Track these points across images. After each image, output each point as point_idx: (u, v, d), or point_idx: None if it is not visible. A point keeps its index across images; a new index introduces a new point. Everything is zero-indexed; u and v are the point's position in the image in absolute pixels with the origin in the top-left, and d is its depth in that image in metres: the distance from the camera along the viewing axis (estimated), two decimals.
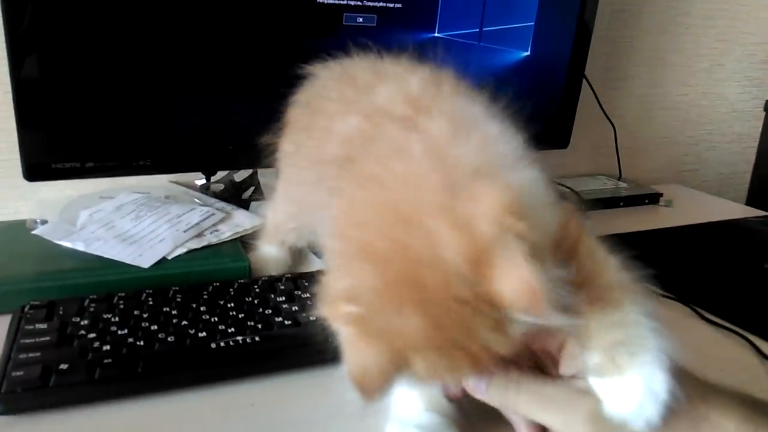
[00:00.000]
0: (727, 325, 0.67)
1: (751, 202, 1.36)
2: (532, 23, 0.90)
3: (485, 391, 0.40)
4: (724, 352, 0.63)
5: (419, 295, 0.31)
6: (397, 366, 0.31)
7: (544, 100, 0.97)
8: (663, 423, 0.35)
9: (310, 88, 0.55)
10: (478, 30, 0.86)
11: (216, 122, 0.77)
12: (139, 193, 0.81)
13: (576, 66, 0.97)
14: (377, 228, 0.32)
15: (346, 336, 0.33)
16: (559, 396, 0.38)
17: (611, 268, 0.39)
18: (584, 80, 1.01)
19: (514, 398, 0.39)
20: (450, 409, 0.45)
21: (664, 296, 0.72)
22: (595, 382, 0.36)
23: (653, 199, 1.13)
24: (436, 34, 0.84)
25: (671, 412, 0.35)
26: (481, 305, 0.30)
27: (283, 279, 0.66)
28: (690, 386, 0.37)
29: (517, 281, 0.29)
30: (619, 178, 1.19)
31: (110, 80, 0.70)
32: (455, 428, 0.45)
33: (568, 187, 1.08)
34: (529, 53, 0.91)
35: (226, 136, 0.78)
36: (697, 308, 0.70)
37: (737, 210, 1.15)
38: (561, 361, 0.39)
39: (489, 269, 0.30)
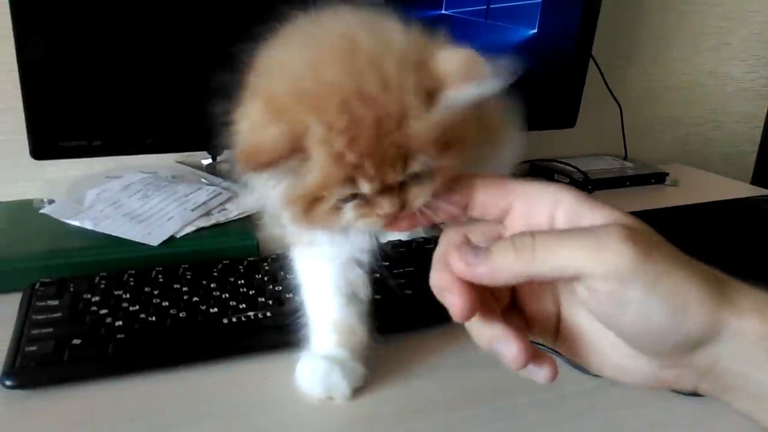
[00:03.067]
0: None
1: (756, 181, 1.36)
2: (540, 0, 0.89)
3: (486, 259, 0.31)
4: None
5: (340, 93, 0.33)
6: (292, 144, 0.33)
7: (551, 80, 0.96)
8: None
9: None
10: (485, 7, 0.85)
11: (222, 101, 0.77)
12: (145, 173, 0.81)
13: (583, 45, 0.96)
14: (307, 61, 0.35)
15: (250, 112, 0.36)
16: (579, 230, 0.31)
17: None
18: (590, 59, 1.00)
19: (529, 251, 0.30)
20: (359, 346, 0.49)
21: None
22: None
23: (659, 178, 1.12)
24: (443, 11, 0.83)
25: None
26: (411, 82, 0.33)
27: None
28: None
29: (459, 56, 0.34)
30: (625, 158, 1.19)
31: (117, 58, 0.70)
32: (360, 362, 0.49)
33: (574, 167, 1.08)
34: (536, 31, 0.90)
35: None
36: None
37: (743, 189, 1.15)
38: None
39: (430, 57, 0.34)
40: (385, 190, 0.35)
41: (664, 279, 0.29)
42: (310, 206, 0.36)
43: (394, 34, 0.35)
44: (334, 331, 0.49)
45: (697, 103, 1.30)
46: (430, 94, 0.34)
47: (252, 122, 0.36)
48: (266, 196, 0.39)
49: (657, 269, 0.29)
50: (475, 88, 0.34)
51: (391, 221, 0.37)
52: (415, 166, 0.35)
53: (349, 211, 0.36)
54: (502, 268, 0.31)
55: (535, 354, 0.33)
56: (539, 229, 0.32)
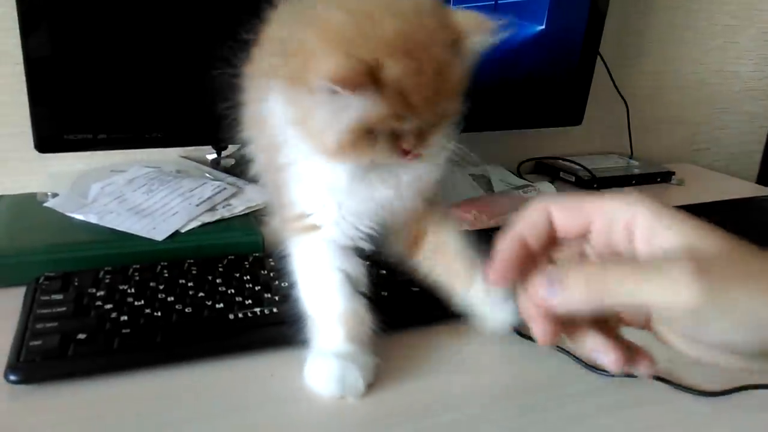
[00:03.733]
0: None
1: (762, 181, 1.35)
2: None
3: (562, 288, 0.32)
4: None
5: (405, 41, 0.41)
6: (370, 76, 0.39)
7: (559, 76, 0.95)
8: None
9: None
10: (493, 2, 0.85)
11: (227, 96, 0.76)
12: (150, 167, 0.81)
13: (591, 41, 0.96)
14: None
15: (304, 38, 0.42)
16: (648, 264, 0.31)
17: None
18: (598, 56, 1.00)
19: (601, 284, 0.31)
20: (367, 336, 0.49)
21: None
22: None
23: (665, 177, 1.12)
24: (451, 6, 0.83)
25: None
26: (443, 34, 0.42)
27: None
28: None
29: (471, 14, 0.44)
30: (631, 157, 1.18)
31: (122, 51, 0.69)
32: (370, 353, 0.48)
33: (580, 165, 1.07)
34: (543, 27, 0.90)
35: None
36: None
37: (749, 189, 1.14)
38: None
39: (449, 14, 0.44)
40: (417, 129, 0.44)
41: (739, 306, 0.29)
42: (353, 142, 0.42)
43: None
44: (342, 324, 0.48)
45: (704, 102, 1.30)
46: (454, 45, 0.43)
47: (308, 47, 0.41)
48: (308, 115, 0.43)
49: (729, 298, 0.29)
50: (489, 38, 0.43)
51: (409, 156, 0.45)
52: (446, 110, 0.44)
53: (382, 145, 0.43)
54: (575, 300, 0.32)
55: (630, 356, 0.35)
56: (618, 248, 0.34)
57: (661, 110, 1.26)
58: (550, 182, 1.00)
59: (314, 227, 0.51)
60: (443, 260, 0.53)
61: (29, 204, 0.72)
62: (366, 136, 0.43)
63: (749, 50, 1.29)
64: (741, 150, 1.39)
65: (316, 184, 0.50)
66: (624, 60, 1.16)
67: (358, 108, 0.41)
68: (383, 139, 0.43)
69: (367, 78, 0.39)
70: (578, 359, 0.53)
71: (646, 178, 1.10)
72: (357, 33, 0.40)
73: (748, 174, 1.39)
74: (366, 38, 0.40)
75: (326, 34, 0.41)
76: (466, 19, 0.43)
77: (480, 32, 0.43)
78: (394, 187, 0.50)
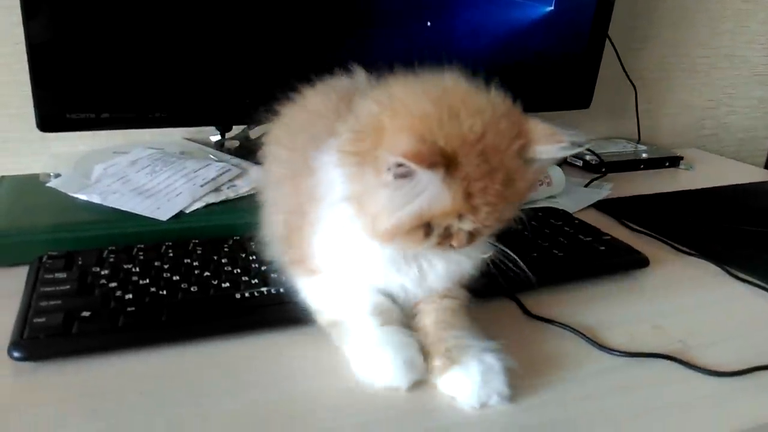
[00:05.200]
0: (750, 279, 0.66)
1: None
2: None
3: None
4: (748, 308, 0.62)
5: (480, 144, 0.41)
6: (444, 158, 0.39)
7: (567, 58, 0.94)
8: None
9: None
10: None
11: (233, 74, 0.75)
12: (153, 148, 0.80)
13: (600, 23, 0.94)
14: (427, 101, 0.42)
15: (385, 124, 0.41)
16: None
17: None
18: (607, 39, 0.98)
19: None
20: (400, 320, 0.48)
21: (690, 254, 0.71)
22: (443, 381, 0.45)
23: (674, 162, 1.10)
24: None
25: None
26: (516, 140, 0.42)
27: None
28: None
29: (545, 125, 0.43)
30: (638, 141, 1.17)
31: (126, 29, 0.68)
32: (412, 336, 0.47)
33: (588, 149, 1.06)
34: (552, 8, 0.88)
35: (243, 89, 0.76)
36: (726, 267, 0.68)
37: (759, 174, 1.13)
38: None
39: (524, 123, 0.43)
40: None
41: None
42: (409, 231, 0.42)
43: (495, 96, 0.44)
44: (375, 316, 0.47)
45: (712, 87, 1.28)
46: (524, 151, 0.42)
47: (385, 127, 0.41)
48: (367, 195, 0.42)
49: None
50: (558, 150, 0.42)
51: (451, 250, 0.44)
52: (504, 216, 0.43)
53: (433, 238, 0.42)
54: None
55: None
56: None
57: (669, 94, 1.24)
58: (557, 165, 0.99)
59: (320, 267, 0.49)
60: (433, 332, 0.48)
61: (32, 184, 0.71)
62: (422, 227, 0.42)
63: (760, 34, 1.27)
64: (750, 135, 1.38)
65: (342, 246, 0.47)
66: (633, 43, 1.15)
67: (424, 197, 0.40)
68: (437, 231, 0.42)
69: (441, 160, 0.39)
70: (589, 340, 0.53)
71: (655, 163, 1.09)
72: (436, 123, 0.40)
73: (756, 160, 1.38)
74: (444, 130, 0.40)
75: (406, 118, 0.41)
76: (538, 128, 0.43)
77: (549, 143, 0.42)
78: (421, 275, 0.48)
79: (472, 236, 0.43)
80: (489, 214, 0.41)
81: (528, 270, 0.49)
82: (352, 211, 0.44)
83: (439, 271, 0.48)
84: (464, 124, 0.41)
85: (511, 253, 0.49)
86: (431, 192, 0.40)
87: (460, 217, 0.41)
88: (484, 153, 0.40)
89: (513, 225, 0.47)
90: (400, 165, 0.39)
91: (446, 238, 0.43)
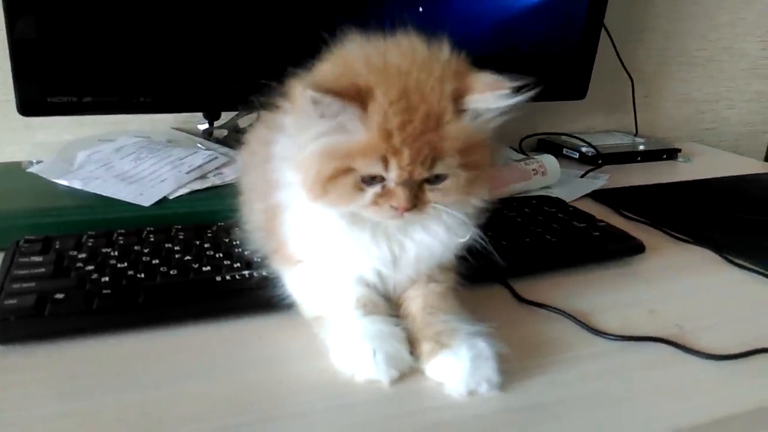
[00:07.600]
0: (747, 264, 0.64)
1: None
2: None
3: None
4: (745, 293, 0.60)
5: (402, 80, 0.39)
6: (357, 94, 0.38)
7: (563, 47, 0.92)
8: None
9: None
10: None
11: (220, 59, 0.73)
12: (139, 137, 0.78)
13: (595, 12, 0.93)
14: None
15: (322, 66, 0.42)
16: None
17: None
18: (603, 30, 0.97)
19: None
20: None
21: (686, 241, 0.70)
22: (431, 366, 0.43)
23: (671, 154, 1.09)
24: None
25: None
26: (448, 85, 0.40)
27: None
28: None
29: (490, 77, 0.41)
30: (635, 134, 1.15)
31: (110, 11, 0.66)
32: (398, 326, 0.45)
33: (584, 141, 1.04)
34: None
35: (231, 74, 0.74)
36: (723, 253, 0.67)
37: (757, 167, 1.11)
38: None
39: (467, 73, 0.42)
40: (406, 183, 0.40)
41: None
42: (334, 176, 0.40)
43: (444, 51, 0.43)
44: (359, 308, 0.45)
45: (711, 80, 1.27)
46: (460, 100, 0.40)
47: (323, 72, 0.42)
48: (300, 145, 0.41)
49: None
50: (497, 98, 0.40)
51: (398, 216, 0.41)
52: (440, 168, 0.40)
53: (368, 193, 0.40)
54: None
55: None
56: None
57: (667, 87, 1.23)
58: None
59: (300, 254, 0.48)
60: (420, 317, 0.46)
61: (13, 171, 0.70)
62: (349, 177, 0.40)
63: (758, 27, 1.26)
64: (748, 129, 1.36)
65: (309, 229, 0.45)
66: (629, 35, 1.13)
67: (338, 129, 0.39)
68: (372, 190, 0.40)
69: (352, 92, 0.38)
70: (583, 323, 0.51)
71: (652, 155, 1.07)
72: (362, 63, 0.40)
73: (755, 154, 1.36)
74: (367, 68, 0.40)
75: (335, 64, 0.42)
76: (478, 77, 0.41)
77: (488, 91, 0.40)
78: (394, 256, 0.45)
79: (416, 198, 0.41)
80: (411, 157, 0.39)
81: (497, 254, 0.47)
82: (293, 174, 0.43)
83: (410, 254, 0.45)
84: (390, 62, 0.40)
85: (482, 236, 0.46)
86: (344, 124, 0.39)
87: (385, 164, 0.39)
88: (406, 90, 0.39)
89: (491, 207, 0.46)
90: (316, 102, 0.38)
91: (384, 197, 0.41)
